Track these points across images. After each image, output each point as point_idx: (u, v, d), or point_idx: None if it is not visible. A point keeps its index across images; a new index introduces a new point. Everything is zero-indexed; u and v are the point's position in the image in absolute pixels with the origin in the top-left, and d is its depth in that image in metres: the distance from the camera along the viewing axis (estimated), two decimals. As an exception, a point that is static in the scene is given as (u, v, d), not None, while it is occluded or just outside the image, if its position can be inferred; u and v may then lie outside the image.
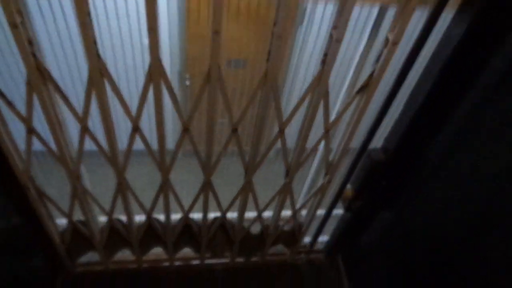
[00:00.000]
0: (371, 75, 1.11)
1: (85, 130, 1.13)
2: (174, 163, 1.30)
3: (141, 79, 1.04)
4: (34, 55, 0.94)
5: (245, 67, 2.93)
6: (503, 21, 0.97)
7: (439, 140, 1.26)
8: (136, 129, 1.15)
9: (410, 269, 1.47)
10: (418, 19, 0.98)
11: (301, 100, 1.13)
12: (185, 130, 1.17)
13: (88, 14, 0.88)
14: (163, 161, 1.26)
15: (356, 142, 1.37)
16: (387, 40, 1.03)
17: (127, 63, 1.07)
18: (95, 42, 0.95)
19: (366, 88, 1.13)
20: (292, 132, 1.31)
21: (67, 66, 1.11)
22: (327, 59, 1.04)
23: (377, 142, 1.41)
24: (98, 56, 0.97)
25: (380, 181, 1.46)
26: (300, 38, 2.24)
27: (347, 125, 1.30)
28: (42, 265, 1.64)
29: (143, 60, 1.03)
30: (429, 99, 1.14)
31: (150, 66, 1.00)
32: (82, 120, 1.10)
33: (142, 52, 1.02)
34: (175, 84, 2.88)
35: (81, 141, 1.17)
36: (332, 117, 1.25)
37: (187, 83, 3.00)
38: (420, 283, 1.41)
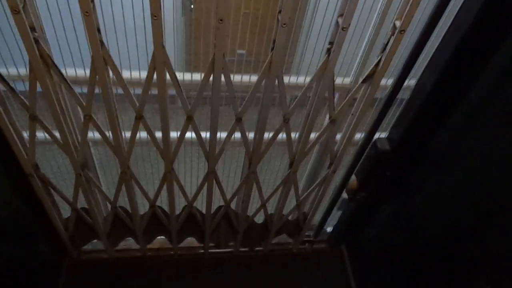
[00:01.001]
0: (377, 64, 1.09)
1: (89, 118, 1.12)
2: (177, 152, 1.29)
3: (145, 66, 1.03)
4: (37, 42, 0.93)
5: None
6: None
7: (446, 130, 1.25)
8: (139, 117, 1.15)
9: (415, 259, 1.47)
10: (426, 4, 0.96)
11: (306, 89, 1.12)
12: (189, 119, 1.16)
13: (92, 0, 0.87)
14: (167, 150, 1.26)
15: (362, 132, 1.36)
16: (394, 27, 1.01)
17: (131, 50, 1.07)
18: (98, 30, 0.93)
19: (372, 77, 1.12)
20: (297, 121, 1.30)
21: (70, 53, 1.10)
22: (333, 48, 1.02)
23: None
24: (102, 43, 0.96)
25: (385, 171, 1.45)
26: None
27: (352, 115, 1.28)
28: (47, 253, 1.66)
29: (147, 47, 1.01)
30: (436, 88, 1.12)
31: (154, 55, 0.99)
32: (86, 108, 1.10)
33: (146, 38, 1.00)
34: (178, 6, 2.62)
35: (85, 130, 1.17)
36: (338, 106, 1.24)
37: (192, 6, 2.71)
38: (425, 274, 1.41)
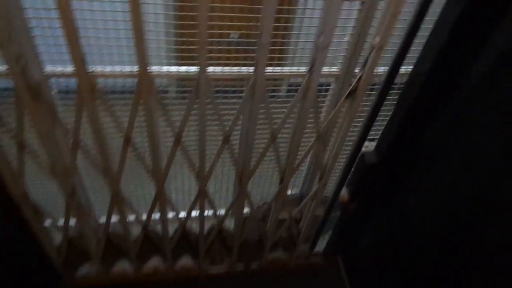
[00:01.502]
0: (358, 80, 1.12)
1: (76, 143, 1.13)
2: (168, 173, 1.30)
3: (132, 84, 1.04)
4: (24, 70, 0.95)
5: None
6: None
7: (432, 135, 1.26)
8: (128, 141, 1.16)
9: (411, 265, 1.47)
10: (405, 20, 0.98)
11: (291, 107, 1.14)
12: (177, 141, 1.17)
13: (76, 30, 0.89)
14: (157, 171, 1.27)
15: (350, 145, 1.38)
16: (373, 44, 1.03)
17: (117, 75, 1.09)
18: (83, 60, 0.95)
19: (354, 93, 1.14)
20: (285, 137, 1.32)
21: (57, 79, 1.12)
22: (314, 67, 1.04)
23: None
24: (88, 73, 0.97)
25: (375, 182, 1.46)
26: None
27: (338, 128, 1.30)
28: (40, 279, 1.64)
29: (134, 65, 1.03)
30: (420, 96, 1.12)
31: (139, 81, 1.01)
32: (73, 135, 1.11)
33: (131, 62, 1.02)
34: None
35: (73, 156, 1.17)
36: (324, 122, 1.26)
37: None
38: (422, 278, 1.41)
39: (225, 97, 1.29)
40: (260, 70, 1.01)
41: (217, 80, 1.16)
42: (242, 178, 1.36)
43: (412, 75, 1.14)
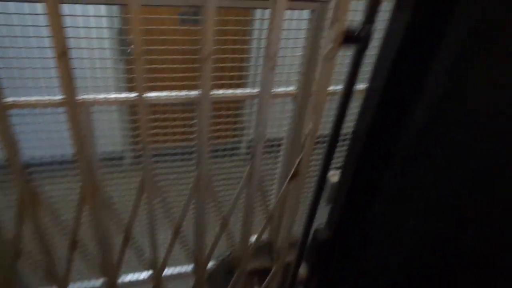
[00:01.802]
0: (299, 163, 1.19)
1: (18, 254, 1.09)
2: (120, 269, 1.26)
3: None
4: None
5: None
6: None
7: (379, 199, 1.30)
8: (74, 244, 1.13)
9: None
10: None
11: (238, 194, 1.18)
12: (126, 239, 1.16)
13: (15, 142, 0.91)
14: (108, 268, 1.23)
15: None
16: (305, 134, 1.12)
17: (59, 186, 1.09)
18: (24, 169, 0.95)
19: (297, 175, 1.20)
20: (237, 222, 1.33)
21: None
22: (255, 157, 1.11)
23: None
24: (29, 181, 0.98)
25: (331, 256, 1.47)
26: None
27: (288, 208, 1.34)
28: None
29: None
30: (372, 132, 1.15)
31: (82, 189, 1.01)
32: (15, 244, 1.07)
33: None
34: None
35: (13, 265, 1.12)
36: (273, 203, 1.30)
37: (128, 50, 2.43)
38: None
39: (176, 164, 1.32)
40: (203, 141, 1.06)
41: (164, 106, 1.14)
42: (198, 265, 1.34)
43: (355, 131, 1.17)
